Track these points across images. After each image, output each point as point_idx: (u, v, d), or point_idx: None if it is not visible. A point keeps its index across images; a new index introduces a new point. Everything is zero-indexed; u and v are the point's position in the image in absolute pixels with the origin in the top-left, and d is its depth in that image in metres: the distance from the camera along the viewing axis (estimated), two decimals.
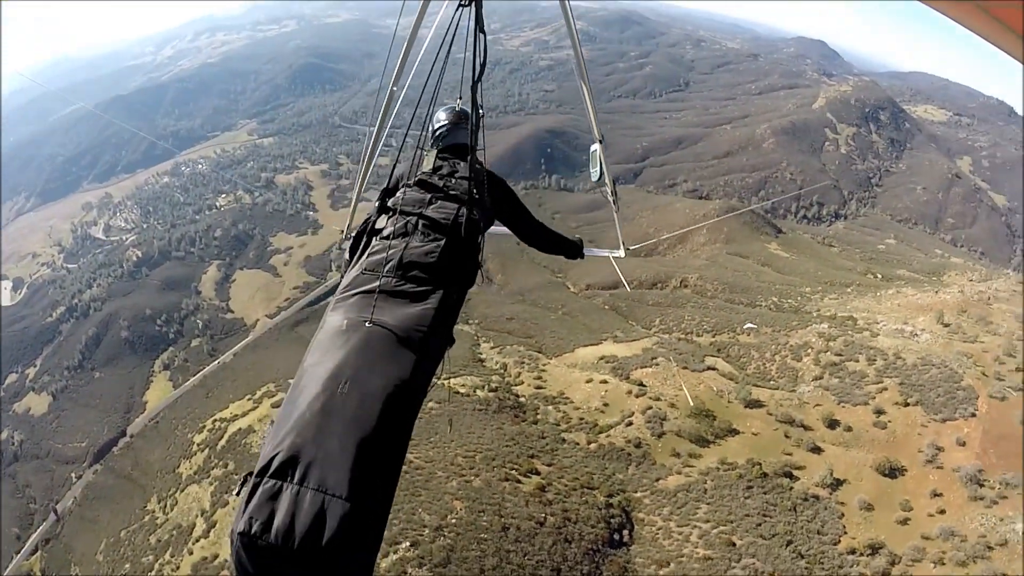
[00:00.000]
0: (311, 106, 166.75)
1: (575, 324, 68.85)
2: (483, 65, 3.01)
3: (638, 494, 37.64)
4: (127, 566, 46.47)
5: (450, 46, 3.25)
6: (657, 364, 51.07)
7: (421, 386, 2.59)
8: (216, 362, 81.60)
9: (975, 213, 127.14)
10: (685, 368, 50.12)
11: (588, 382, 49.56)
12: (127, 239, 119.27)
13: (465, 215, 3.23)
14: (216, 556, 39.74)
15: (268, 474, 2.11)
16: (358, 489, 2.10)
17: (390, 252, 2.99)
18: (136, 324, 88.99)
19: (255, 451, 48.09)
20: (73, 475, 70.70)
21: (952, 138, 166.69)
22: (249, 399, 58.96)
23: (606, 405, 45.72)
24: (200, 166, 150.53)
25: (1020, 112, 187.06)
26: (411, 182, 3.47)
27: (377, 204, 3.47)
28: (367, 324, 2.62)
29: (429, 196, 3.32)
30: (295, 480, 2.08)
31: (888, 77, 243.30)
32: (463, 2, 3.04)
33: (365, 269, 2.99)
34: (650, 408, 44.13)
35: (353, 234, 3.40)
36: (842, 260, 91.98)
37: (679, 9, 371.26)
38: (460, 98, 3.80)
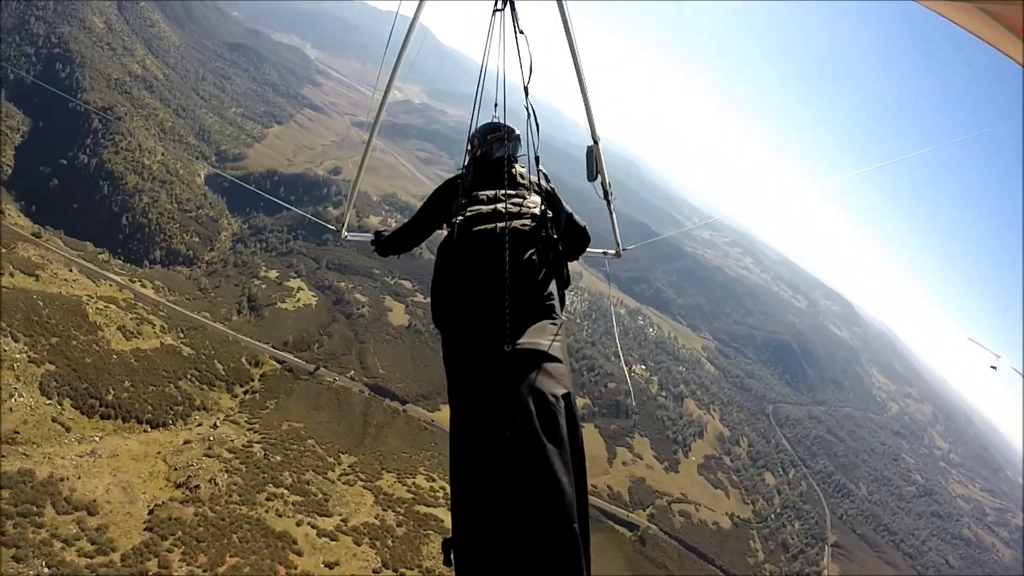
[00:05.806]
0: None
1: None
2: (531, 67, 3.06)
3: None
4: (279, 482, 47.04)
5: (486, 52, 3.38)
6: None
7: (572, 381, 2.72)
8: None
9: None
10: None
11: None
12: None
13: (543, 218, 3.29)
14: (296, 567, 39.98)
15: (487, 531, 2.25)
16: (571, 514, 2.24)
17: (494, 275, 2.92)
18: None
19: (430, 538, 47.80)
20: (365, 388, 70.37)
21: None
22: None
23: None
24: None
25: None
26: (479, 200, 3.40)
27: (419, 218, 3.90)
28: (506, 348, 2.64)
29: (502, 210, 3.25)
30: (516, 523, 2.19)
31: None
32: (497, 7, 3.16)
33: (472, 296, 2.95)
34: None
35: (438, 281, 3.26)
36: None
37: None
38: (496, 105, 3.80)
